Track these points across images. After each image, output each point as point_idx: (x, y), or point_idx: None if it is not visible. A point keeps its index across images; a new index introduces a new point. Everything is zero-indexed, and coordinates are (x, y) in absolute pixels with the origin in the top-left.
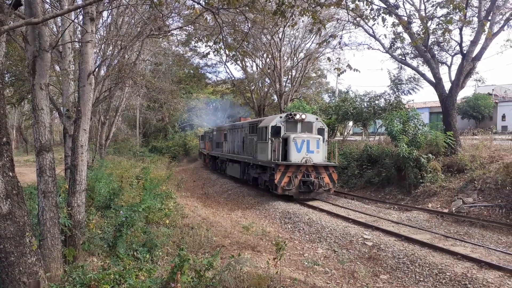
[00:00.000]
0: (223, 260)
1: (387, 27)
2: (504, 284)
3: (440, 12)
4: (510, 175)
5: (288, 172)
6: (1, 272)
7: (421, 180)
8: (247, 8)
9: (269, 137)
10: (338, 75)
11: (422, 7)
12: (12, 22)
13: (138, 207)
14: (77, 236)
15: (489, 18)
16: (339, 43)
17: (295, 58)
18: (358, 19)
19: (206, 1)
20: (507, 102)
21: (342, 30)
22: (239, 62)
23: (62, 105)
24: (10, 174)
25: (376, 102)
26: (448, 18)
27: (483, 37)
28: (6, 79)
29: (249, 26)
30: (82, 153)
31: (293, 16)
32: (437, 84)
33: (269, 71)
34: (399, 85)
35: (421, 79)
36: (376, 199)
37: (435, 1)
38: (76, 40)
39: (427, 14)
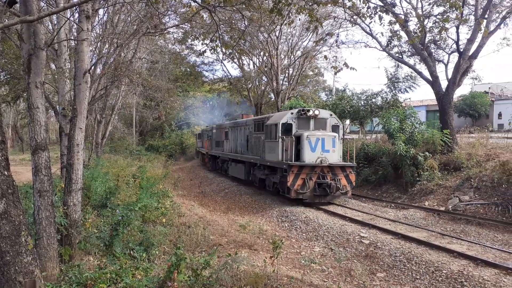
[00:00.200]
0: (220, 258)
1: (384, 25)
2: (500, 282)
3: (437, 10)
4: (506, 173)
5: (301, 173)
6: None
7: (417, 178)
8: (243, 6)
9: (280, 135)
10: (335, 73)
11: (419, 5)
12: (7, 20)
13: (135, 206)
14: (73, 235)
15: (486, 16)
16: (336, 41)
17: (292, 56)
18: (355, 17)
19: None
20: (503, 100)
21: (339, 28)
22: (236, 60)
23: (58, 104)
24: (6, 173)
25: (373, 100)
26: (445, 16)
27: (479, 36)
28: (1, 77)
29: (246, 24)
30: (78, 151)
31: (290, 14)
32: (434, 82)
33: (266, 69)
34: (396, 83)
35: (418, 77)
36: (373, 197)
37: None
38: (72, 38)
39: (424, 12)
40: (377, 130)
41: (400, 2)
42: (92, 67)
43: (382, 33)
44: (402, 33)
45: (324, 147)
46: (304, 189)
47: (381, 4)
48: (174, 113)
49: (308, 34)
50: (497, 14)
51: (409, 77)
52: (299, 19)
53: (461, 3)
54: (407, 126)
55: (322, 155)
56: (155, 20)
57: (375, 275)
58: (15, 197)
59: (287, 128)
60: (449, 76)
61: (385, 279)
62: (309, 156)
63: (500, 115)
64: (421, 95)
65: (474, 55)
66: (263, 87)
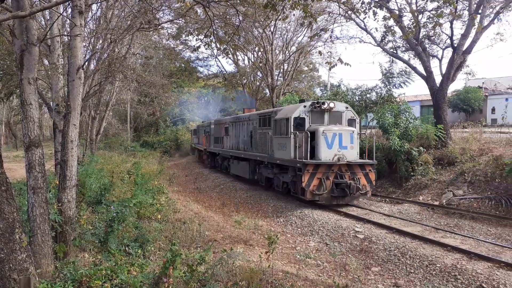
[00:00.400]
0: (216, 254)
1: (378, 21)
2: (492, 275)
3: (431, 5)
4: (499, 168)
5: (317, 173)
6: None
7: (412, 173)
8: (238, 1)
9: (292, 130)
10: (329, 69)
11: (414, 0)
12: None
13: (129, 202)
14: (68, 232)
15: (480, 11)
16: (330, 36)
17: (287, 52)
18: (349, 12)
19: None
20: (497, 95)
21: (334, 23)
22: (230, 55)
23: (51, 100)
24: None
25: (368, 95)
26: (439, 11)
27: (473, 31)
28: None
29: (240, 19)
30: (72, 148)
31: (284, 9)
32: (428, 78)
33: (261, 64)
34: (390, 79)
35: (413, 72)
36: None
37: None
38: (65, 33)
39: (418, 8)
40: (371, 125)
41: None
42: (86, 63)
43: (376, 29)
44: (397, 29)
45: (342, 143)
46: (321, 190)
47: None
48: (169, 109)
49: (303, 29)
50: (490, 9)
51: (403, 72)
52: (294, 15)
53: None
54: (402, 121)
55: (339, 152)
56: (149, 16)
57: (369, 269)
58: (8, 194)
59: (299, 122)
60: (443, 71)
61: (379, 273)
62: (326, 154)
63: (493, 109)
64: (416, 90)
65: (468, 50)
66: (258, 83)
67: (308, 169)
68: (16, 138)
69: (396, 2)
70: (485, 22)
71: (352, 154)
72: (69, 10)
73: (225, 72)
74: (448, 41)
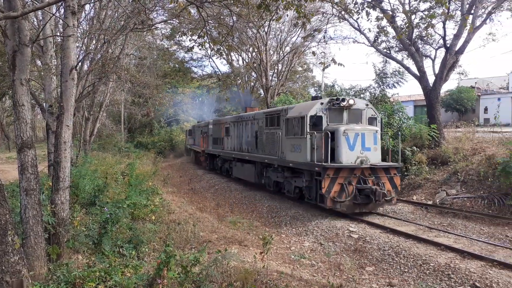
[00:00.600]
0: (210, 255)
1: (371, 21)
2: (485, 273)
3: (423, 6)
4: (492, 167)
5: (339, 177)
6: None
7: (405, 173)
8: (231, 1)
9: (308, 130)
10: (323, 69)
11: (407, 0)
12: None
13: (123, 203)
14: (61, 233)
15: (472, 11)
16: (324, 37)
17: (281, 52)
18: (343, 12)
19: None
20: (489, 95)
21: (327, 24)
22: (224, 56)
23: (44, 101)
24: None
25: (362, 95)
26: (431, 12)
27: (466, 31)
28: None
29: (234, 19)
30: (65, 149)
31: (278, 10)
32: (421, 78)
33: (255, 65)
34: (384, 79)
35: (406, 72)
36: None
37: None
38: (58, 34)
39: (411, 8)
40: None
41: None
42: (79, 64)
43: (369, 29)
44: (390, 29)
45: (365, 144)
46: (342, 196)
47: (368, 0)
48: (163, 110)
49: (297, 30)
50: (483, 10)
51: (397, 72)
52: (287, 15)
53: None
54: (395, 121)
55: (362, 154)
56: (142, 16)
57: (364, 269)
58: (0, 196)
59: (316, 121)
60: (436, 71)
61: (374, 273)
62: (347, 156)
63: (486, 109)
64: (409, 90)
65: (461, 50)
66: (252, 83)
67: (329, 174)
68: (9, 139)
69: (390, 3)
70: (478, 23)
71: (375, 157)
72: (62, 11)
73: (219, 72)
74: (441, 41)
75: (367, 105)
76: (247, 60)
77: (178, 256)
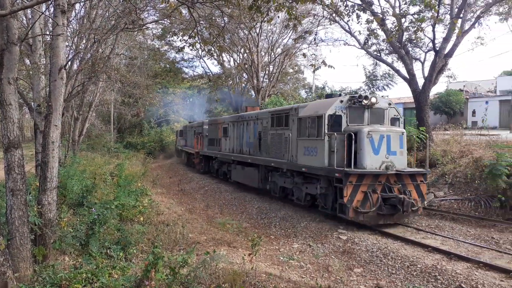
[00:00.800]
0: (199, 256)
1: (361, 24)
2: (471, 275)
3: (413, 9)
4: (479, 169)
5: (362, 185)
6: None
7: None
8: (223, 2)
9: (326, 131)
10: (313, 71)
11: (397, 4)
12: None
13: (111, 204)
14: (47, 234)
15: (461, 15)
16: (314, 39)
17: (272, 54)
18: (334, 15)
19: None
20: (477, 98)
21: (318, 26)
22: (216, 56)
23: (32, 100)
24: None
25: None
26: (421, 16)
27: (455, 35)
28: None
29: (225, 20)
30: (53, 149)
31: (269, 11)
32: (411, 80)
33: (246, 66)
34: (374, 81)
35: (396, 75)
36: None
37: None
38: (47, 33)
39: (401, 12)
40: None
41: (378, 0)
42: (69, 63)
43: (359, 32)
44: (380, 32)
45: (390, 147)
46: (366, 206)
47: (359, 2)
48: (153, 110)
49: (288, 31)
50: (471, 14)
51: (386, 75)
52: (278, 17)
53: (436, 3)
54: None
55: (387, 158)
56: (133, 16)
57: (352, 270)
58: None
59: (335, 121)
60: (426, 74)
61: (362, 274)
62: (371, 161)
63: (474, 112)
64: (399, 92)
65: (450, 54)
66: (243, 84)
67: (351, 180)
68: None
69: (380, 6)
70: (466, 26)
71: (401, 162)
72: (52, 9)
73: (210, 73)
74: (431, 44)
75: (389, 104)
76: (238, 61)
77: (166, 257)
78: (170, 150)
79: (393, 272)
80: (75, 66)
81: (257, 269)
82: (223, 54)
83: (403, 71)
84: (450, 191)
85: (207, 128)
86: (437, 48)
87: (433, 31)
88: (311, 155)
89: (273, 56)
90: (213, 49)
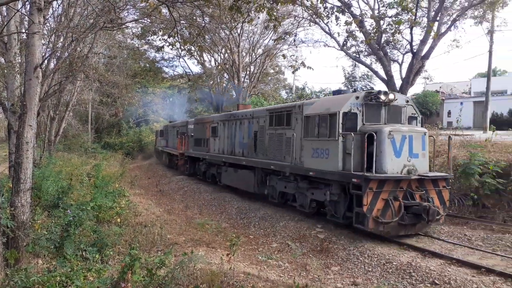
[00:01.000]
0: (177, 257)
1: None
2: (444, 271)
3: (391, 12)
4: (453, 168)
5: (383, 192)
6: None
7: None
8: (203, 2)
9: (340, 131)
10: (293, 72)
11: (376, 6)
12: None
13: (87, 205)
14: (20, 237)
15: (438, 18)
16: (294, 40)
17: (253, 54)
18: (314, 16)
19: None
20: (452, 99)
21: (297, 27)
22: (196, 56)
23: (6, 99)
24: None
25: None
26: (398, 19)
27: (432, 37)
28: None
29: (205, 21)
30: (27, 150)
31: (249, 12)
32: (389, 81)
33: (227, 66)
34: (353, 82)
35: (374, 76)
36: None
37: (386, 2)
38: (23, 31)
39: (379, 14)
40: None
41: (357, 2)
42: (45, 62)
43: (338, 33)
44: (360, 34)
45: (412, 149)
46: (386, 215)
47: (338, 5)
48: (132, 110)
49: (269, 32)
50: (448, 17)
51: (365, 76)
52: (259, 18)
53: (413, 6)
54: None
55: (409, 162)
56: (112, 15)
57: (329, 268)
58: None
59: (349, 120)
60: (403, 76)
61: (339, 273)
62: (392, 164)
63: (449, 113)
64: None
65: (426, 56)
66: (224, 84)
67: (372, 187)
68: None
69: (360, 8)
70: (443, 29)
71: (423, 165)
72: (28, 7)
73: (191, 73)
74: (408, 46)
75: (407, 101)
76: (219, 61)
77: (144, 259)
78: (149, 151)
79: (370, 269)
80: (52, 65)
81: (236, 269)
82: (204, 54)
83: (382, 73)
84: None
85: (192, 127)
86: (415, 50)
87: (411, 33)
88: (321, 157)
89: (254, 56)
90: (193, 48)
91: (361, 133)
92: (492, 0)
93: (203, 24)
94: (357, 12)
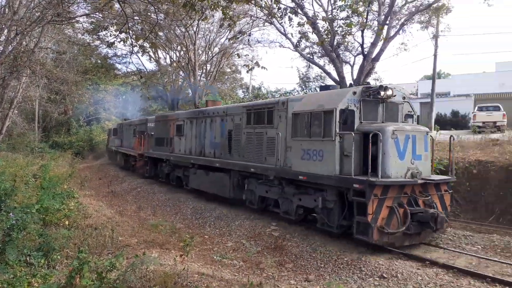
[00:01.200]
0: (129, 260)
1: (293, 27)
2: (392, 265)
3: (342, 14)
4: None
5: (387, 198)
6: None
7: None
8: None
9: (337, 130)
10: (247, 71)
11: (329, 8)
12: None
13: (32, 208)
14: None
15: (387, 22)
16: (248, 40)
17: (210, 52)
18: (269, 16)
19: None
20: None
21: (252, 26)
22: (150, 53)
23: None
24: None
25: None
26: (348, 22)
27: (382, 40)
28: None
29: (157, 17)
30: None
31: (203, 10)
32: (341, 82)
33: (183, 64)
34: (307, 83)
35: (327, 77)
36: None
37: (337, 5)
38: None
39: (331, 16)
40: None
41: (311, 4)
42: None
43: (292, 34)
44: (312, 34)
45: (416, 151)
46: (391, 225)
47: (291, 6)
48: (83, 108)
49: (225, 31)
50: (397, 21)
51: (319, 77)
52: (213, 16)
53: (363, 10)
54: None
55: (412, 164)
56: (60, 8)
57: (283, 266)
58: None
59: (347, 118)
60: (355, 77)
61: (292, 270)
62: (396, 167)
63: None
64: None
65: (377, 58)
66: (180, 82)
67: (376, 193)
68: None
69: (314, 9)
70: (392, 33)
71: (426, 168)
72: None
73: (145, 70)
74: (360, 48)
75: (404, 98)
76: (175, 59)
77: (93, 262)
78: (100, 150)
79: (322, 266)
80: None
81: (190, 269)
82: (159, 51)
83: (334, 74)
84: None
85: (153, 125)
86: (366, 53)
87: (362, 36)
88: (314, 160)
89: (211, 55)
90: (147, 45)
91: (361, 132)
92: (437, 6)
93: (157, 21)
94: (310, 13)
